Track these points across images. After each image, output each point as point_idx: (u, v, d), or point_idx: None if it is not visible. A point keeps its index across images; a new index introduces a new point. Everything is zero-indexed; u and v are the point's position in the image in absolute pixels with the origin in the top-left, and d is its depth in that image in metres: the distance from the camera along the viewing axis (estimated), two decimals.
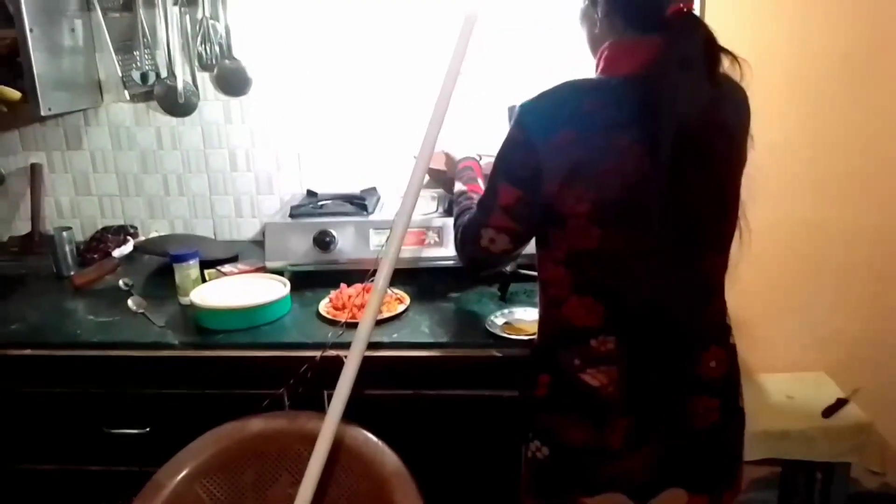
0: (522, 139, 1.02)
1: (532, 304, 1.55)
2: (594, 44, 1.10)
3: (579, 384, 1.06)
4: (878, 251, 1.99)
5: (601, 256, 1.02)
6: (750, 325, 1.79)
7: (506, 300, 1.62)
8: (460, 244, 1.22)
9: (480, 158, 1.52)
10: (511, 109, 1.59)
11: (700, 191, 1.01)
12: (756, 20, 1.73)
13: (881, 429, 1.88)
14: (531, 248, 1.58)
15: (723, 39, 1.00)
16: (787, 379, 2.02)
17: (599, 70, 1.06)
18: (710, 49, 0.97)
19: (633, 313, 1.05)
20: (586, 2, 1.09)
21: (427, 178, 1.48)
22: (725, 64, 0.99)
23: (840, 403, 1.88)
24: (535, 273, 1.56)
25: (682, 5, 0.97)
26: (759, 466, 2.08)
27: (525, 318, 1.49)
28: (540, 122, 1.01)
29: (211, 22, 1.95)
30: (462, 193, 1.36)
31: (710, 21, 1.01)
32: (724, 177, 1.05)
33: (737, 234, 1.09)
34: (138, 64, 1.98)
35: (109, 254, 1.98)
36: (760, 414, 1.86)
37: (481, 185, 1.40)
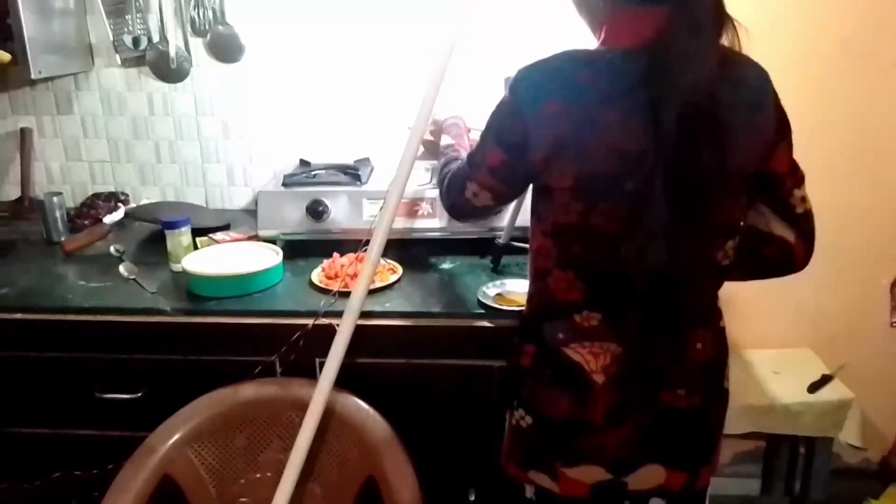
0: (512, 106, 1.03)
1: (524, 276, 1.56)
2: (595, 15, 1.08)
3: (563, 357, 1.07)
4: (867, 231, 2.01)
5: (582, 232, 1.02)
6: (739, 301, 1.81)
7: (498, 272, 1.62)
8: (446, 190, 1.24)
9: (469, 131, 1.55)
10: (507, 80, 1.58)
11: (708, 168, 0.96)
12: (755, 3, 1.72)
13: (864, 405, 1.91)
14: (524, 220, 1.60)
15: None
16: (773, 355, 2.05)
17: (601, 41, 1.04)
18: (719, 14, 0.95)
19: (617, 292, 1.04)
20: None
21: (421, 149, 1.48)
22: (729, 33, 0.97)
23: (825, 379, 1.91)
24: (527, 245, 1.58)
25: None
26: (743, 440, 2.12)
27: (517, 289, 1.50)
28: (529, 91, 1.01)
29: None
30: (450, 146, 1.40)
31: None
32: (737, 157, 1.00)
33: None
34: (130, 28, 1.95)
35: (100, 220, 1.96)
36: (747, 388, 1.89)
37: (467, 141, 1.46)
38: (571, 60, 1.00)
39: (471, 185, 1.14)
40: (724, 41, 0.97)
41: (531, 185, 1.11)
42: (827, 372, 1.94)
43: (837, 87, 1.90)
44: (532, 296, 1.16)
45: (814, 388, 1.89)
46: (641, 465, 1.11)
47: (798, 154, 1.97)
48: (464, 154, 1.28)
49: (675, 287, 1.01)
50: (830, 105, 1.91)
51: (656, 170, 0.94)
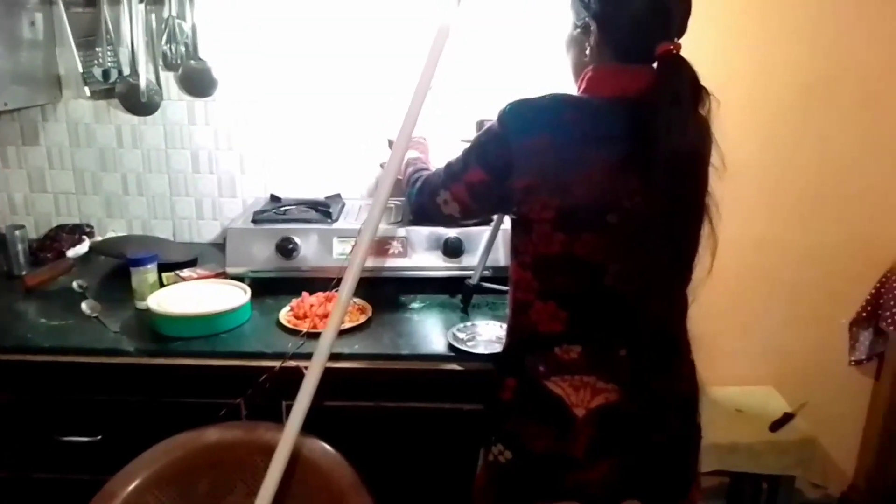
0: (499, 134, 1.09)
1: (493, 318, 1.57)
2: (578, 68, 1.16)
3: (543, 391, 1.09)
4: (827, 270, 2.07)
5: (565, 262, 1.06)
6: (702, 339, 1.83)
7: (468, 312, 1.63)
8: (417, 192, 1.28)
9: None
10: (479, 124, 1.61)
11: (687, 213, 1.08)
12: (720, 51, 1.79)
13: (824, 442, 1.95)
14: (494, 260, 1.62)
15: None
16: (736, 392, 2.08)
17: (581, 90, 1.12)
18: (696, 87, 1.03)
19: (600, 321, 1.09)
20: (578, 29, 1.14)
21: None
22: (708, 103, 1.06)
23: (787, 418, 1.95)
24: (497, 287, 1.59)
25: (671, 46, 1.02)
26: (708, 477, 2.13)
27: (486, 331, 1.51)
28: (518, 122, 1.07)
29: (177, 21, 1.91)
30: (417, 158, 1.45)
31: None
32: (700, 200, 1.11)
33: (707, 250, 1.13)
34: (100, 60, 1.94)
35: (64, 253, 1.93)
36: (710, 427, 1.88)
37: (430, 158, 1.52)
38: (559, 101, 1.07)
39: (444, 192, 1.19)
40: (702, 111, 1.06)
41: (509, 220, 1.16)
42: (788, 410, 1.98)
43: (801, 132, 1.96)
44: (512, 329, 1.18)
45: (776, 426, 1.92)
46: (621, 501, 1.12)
47: (763, 196, 2.05)
48: (431, 167, 1.34)
49: (667, 327, 1.11)
50: (794, 150, 1.97)
51: (651, 229, 1.03)
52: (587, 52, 1.12)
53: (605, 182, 1.04)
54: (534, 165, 1.05)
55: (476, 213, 1.23)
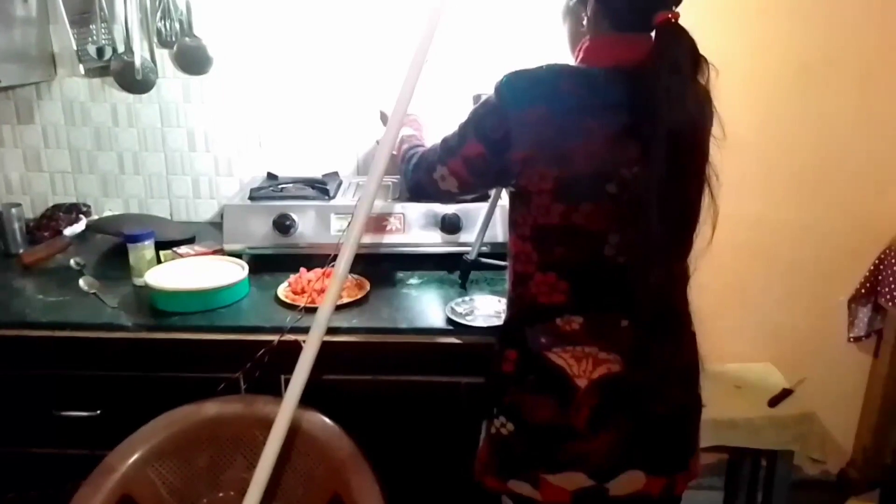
0: (496, 106, 1.08)
1: (492, 292, 1.57)
2: (575, 38, 1.16)
3: (545, 362, 1.09)
4: (824, 248, 2.07)
5: (565, 232, 1.06)
6: (701, 316, 1.83)
7: (466, 287, 1.62)
8: (413, 168, 1.28)
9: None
10: (476, 98, 1.60)
11: (687, 183, 1.07)
12: (719, 29, 1.78)
13: (823, 418, 1.95)
14: (491, 236, 1.62)
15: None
16: (735, 369, 2.08)
17: (578, 60, 1.11)
18: (695, 55, 1.02)
19: (601, 291, 1.08)
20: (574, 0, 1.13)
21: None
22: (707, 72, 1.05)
23: (785, 394, 1.95)
24: (495, 262, 1.59)
25: (669, 15, 1.01)
26: (706, 453, 2.14)
27: (485, 305, 1.50)
28: (515, 93, 1.06)
29: None
30: (412, 135, 1.43)
31: None
32: (700, 170, 1.10)
33: (708, 220, 1.13)
34: (94, 38, 1.92)
35: (60, 232, 1.92)
36: (709, 403, 1.88)
37: (425, 135, 1.49)
38: (555, 71, 1.07)
39: (441, 168, 1.18)
40: (701, 80, 1.05)
41: (506, 196, 1.15)
42: (787, 386, 1.98)
43: (798, 112, 1.96)
44: (513, 301, 1.18)
45: (774, 402, 1.93)
46: (623, 471, 1.12)
47: (762, 173, 2.04)
48: (427, 143, 1.33)
49: (667, 298, 1.10)
50: (792, 129, 1.96)
51: (650, 199, 1.01)
52: (584, 22, 1.11)
53: (604, 152, 1.03)
54: (532, 136, 1.04)
55: (474, 187, 1.23)
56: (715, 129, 1.12)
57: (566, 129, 1.03)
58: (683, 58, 1.01)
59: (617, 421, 1.10)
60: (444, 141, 1.20)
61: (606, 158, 1.03)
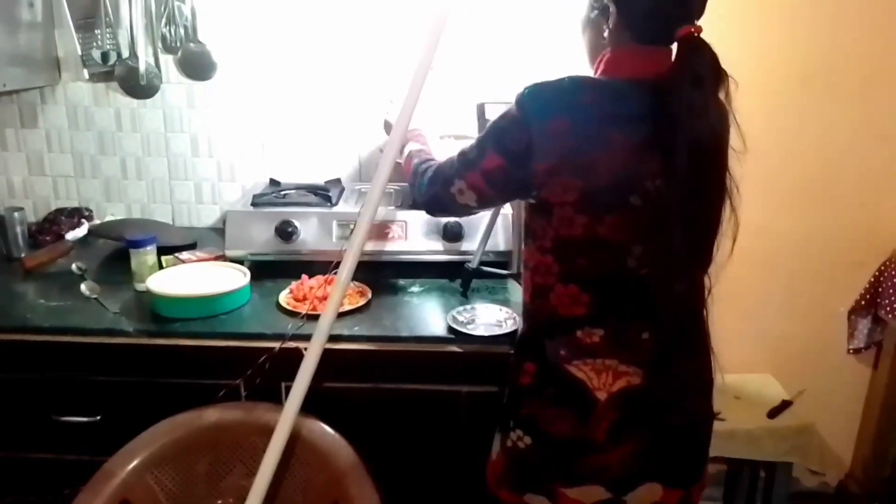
0: (518, 118, 1.07)
1: (493, 301, 1.57)
2: (595, 50, 1.15)
3: (565, 375, 1.09)
4: (825, 259, 2.07)
5: (588, 244, 1.06)
6: None
7: (467, 296, 1.63)
8: (428, 182, 1.25)
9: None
10: (480, 107, 1.60)
11: (709, 195, 1.08)
12: (719, 39, 1.77)
13: (822, 430, 1.95)
14: (493, 245, 1.62)
15: None
16: (735, 380, 2.08)
17: (599, 72, 1.11)
18: (717, 69, 1.03)
19: (623, 303, 1.08)
20: (595, 11, 1.13)
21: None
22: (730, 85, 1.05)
23: (784, 405, 1.95)
24: (497, 270, 1.59)
25: (692, 28, 1.02)
26: None
27: (486, 314, 1.51)
28: (538, 105, 1.06)
29: (177, 3, 1.90)
30: (420, 150, 1.41)
31: None
32: (721, 183, 1.10)
33: (728, 232, 1.13)
34: (99, 43, 1.93)
35: (62, 236, 1.93)
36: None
37: (431, 149, 1.44)
38: (577, 82, 1.06)
39: (459, 181, 1.17)
40: (721, 94, 1.05)
41: (524, 204, 1.15)
42: (786, 397, 1.98)
43: (799, 121, 1.96)
44: (530, 312, 1.17)
45: (773, 413, 1.93)
46: (641, 484, 1.12)
47: (764, 185, 2.04)
48: (436, 157, 1.31)
49: (690, 309, 1.10)
50: (793, 138, 1.97)
51: (673, 211, 1.02)
52: (605, 34, 1.11)
53: (628, 163, 1.03)
54: (555, 148, 1.04)
55: (493, 200, 1.21)
56: (733, 142, 1.12)
57: (590, 140, 1.03)
58: (706, 71, 1.01)
59: (636, 433, 1.10)
60: (462, 154, 1.18)
61: (630, 170, 1.03)
